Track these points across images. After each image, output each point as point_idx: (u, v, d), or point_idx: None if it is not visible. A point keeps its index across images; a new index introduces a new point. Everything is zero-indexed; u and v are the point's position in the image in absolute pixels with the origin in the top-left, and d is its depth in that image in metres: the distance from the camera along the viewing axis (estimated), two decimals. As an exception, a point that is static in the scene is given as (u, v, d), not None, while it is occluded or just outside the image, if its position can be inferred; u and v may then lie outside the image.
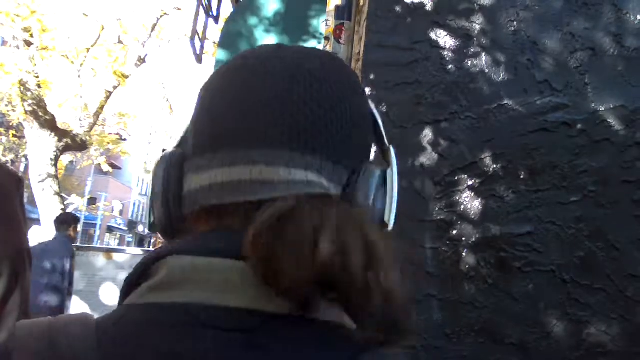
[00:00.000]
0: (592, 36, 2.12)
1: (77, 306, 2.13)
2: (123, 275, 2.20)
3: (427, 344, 1.96)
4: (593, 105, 2.08)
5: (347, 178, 0.48)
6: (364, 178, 0.48)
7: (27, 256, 1.22)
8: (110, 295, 2.16)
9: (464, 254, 2.01)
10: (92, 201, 27.73)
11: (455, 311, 1.99)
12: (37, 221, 10.69)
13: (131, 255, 2.19)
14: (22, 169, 18.75)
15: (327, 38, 2.20)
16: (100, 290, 2.21)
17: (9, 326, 1.10)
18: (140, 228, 41.80)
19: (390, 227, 0.48)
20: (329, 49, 2.19)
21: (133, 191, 40.33)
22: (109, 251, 2.19)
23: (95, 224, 30.47)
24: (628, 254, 2.00)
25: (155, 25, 10.32)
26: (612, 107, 2.07)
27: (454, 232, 2.03)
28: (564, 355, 1.96)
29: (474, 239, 2.02)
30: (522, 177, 2.05)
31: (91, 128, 9.99)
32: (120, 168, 34.38)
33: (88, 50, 8.76)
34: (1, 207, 1.15)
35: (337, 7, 2.23)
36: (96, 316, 0.45)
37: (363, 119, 0.52)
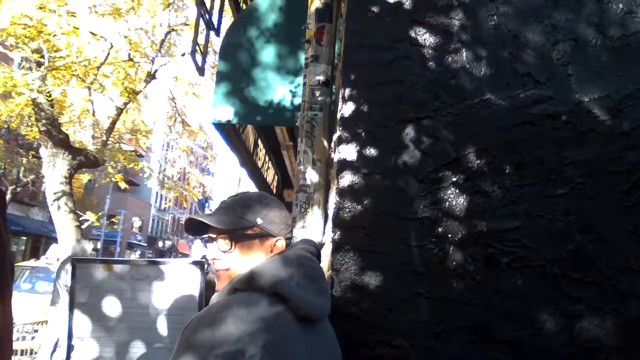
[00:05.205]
0: (574, 27, 2.09)
1: (79, 320, 2.12)
2: (124, 286, 2.19)
3: (416, 343, 1.94)
4: (577, 96, 2.05)
5: None
6: None
7: (9, 270, 1.22)
8: (112, 307, 2.14)
9: (450, 251, 1.99)
10: (111, 218, 28.04)
11: (443, 309, 1.96)
12: (54, 239, 10.83)
13: (130, 266, 2.19)
14: (43, 189, 19.04)
15: (308, 41, 2.21)
16: (102, 303, 2.19)
17: None
18: (160, 243, 42.04)
19: None
20: (310, 51, 2.20)
21: (151, 207, 40.67)
22: (108, 262, 2.19)
23: (116, 241, 30.77)
24: (619, 245, 1.95)
25: (163, 41, 10.47)
26: (596, 97, 2.04)
27: (440, 229, 2.00)
28: (557, 351, 1.91)
29: (460, 236, 2.00)
30: (507, 171, 2.02)
31: (104, 145, 10.13)
32: (138, 185, 34.75)
33: (98, 68, 8.89)
34: None
35: (317, 10, 2.23)
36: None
37: None
